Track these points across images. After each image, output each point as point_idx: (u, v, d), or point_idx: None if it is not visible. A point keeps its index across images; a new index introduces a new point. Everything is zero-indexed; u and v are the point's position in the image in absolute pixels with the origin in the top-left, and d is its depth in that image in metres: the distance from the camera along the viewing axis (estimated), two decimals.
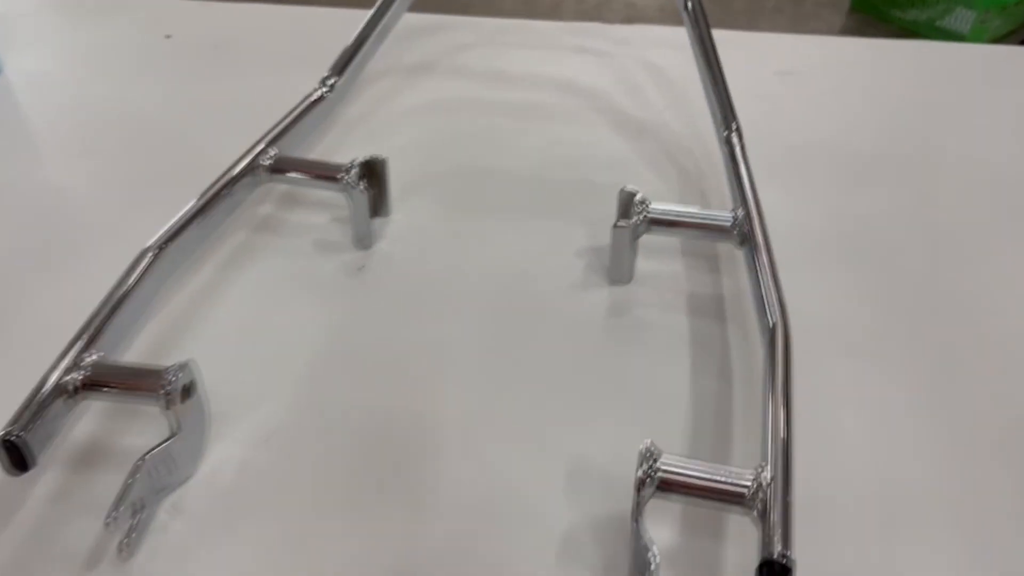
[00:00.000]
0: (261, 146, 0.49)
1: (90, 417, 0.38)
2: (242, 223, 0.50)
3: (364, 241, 0.49)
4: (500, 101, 0.61)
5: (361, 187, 0.47)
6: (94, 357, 0.36)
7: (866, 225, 0.50)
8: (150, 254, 0.40)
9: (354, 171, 0.47)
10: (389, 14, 0.60)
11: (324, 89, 0.53)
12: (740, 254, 0.44)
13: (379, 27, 0.59)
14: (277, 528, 0.34)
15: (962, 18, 2.18)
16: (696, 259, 0.48)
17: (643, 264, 0.47)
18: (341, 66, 0.54)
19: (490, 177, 0.54)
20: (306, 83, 0.55)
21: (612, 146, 0.56)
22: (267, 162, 0.48)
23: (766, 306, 0.39)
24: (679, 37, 0.57)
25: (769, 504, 0.29)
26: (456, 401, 0.40)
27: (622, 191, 0.46)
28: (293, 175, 0.49)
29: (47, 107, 0.63)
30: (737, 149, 0.48)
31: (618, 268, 0.46)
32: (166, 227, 0.42)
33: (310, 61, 0.57)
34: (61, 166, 0.57)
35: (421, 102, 0.61)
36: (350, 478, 0.36)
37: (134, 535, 0.33)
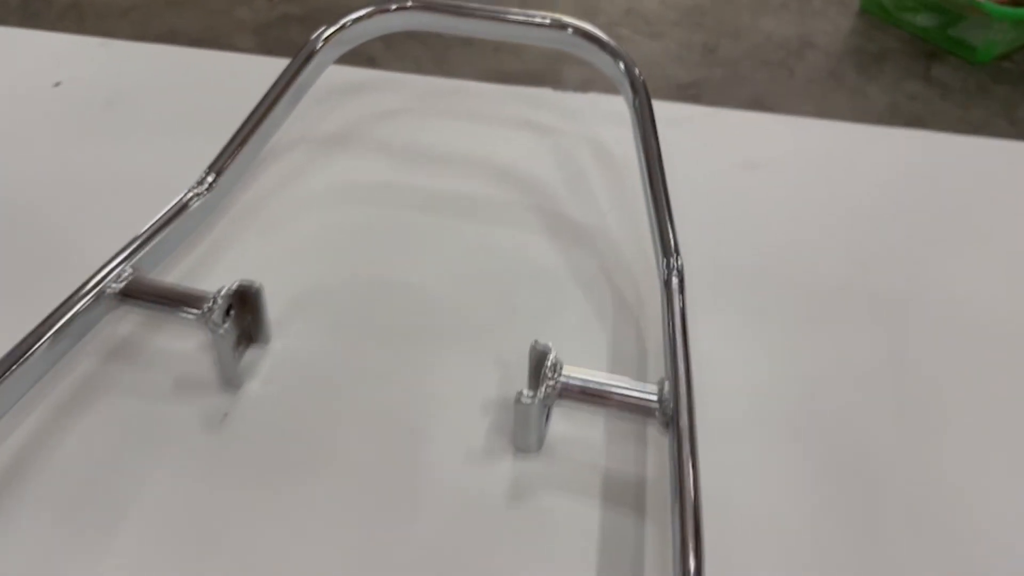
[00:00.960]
0: (111, 266, 0.41)
1: None
2: (91, 348, 0.43)
3: (232, 381, 0.42)
4: (419, 189, 0.53)
5: (224, 328, 0.39)
6: None
7: (823, 386, 0.42)
8: None
9: (218, 306, 0.40)
10: (302, 78, 0.52)
11: (200, 189, 0.45)
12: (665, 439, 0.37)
13: (289, 93, 0.51)
14: None
15: (975, 27, 2.07)
16: (619, 423, 0.41)
17: (557, 426, 0.40)
18: (224, 160, 0.46)
19: (393, 293, 0.47)
20: (214, 149, 0.47)
21: (542, 257, 0.49)
22: (118, 286, 0.41)
23: (681, 523, 0.32)
24: None
25: None
26: None
27: (533, 347, 0.38)
28: (148, 304, 0.41)
29: None
30: (676, 298, 0.40)
31: (524, 439, 0.39)
32: None
33: (222, 121, 0.49)
34: None
35: (327, 186, 0.53)
36: None
37: None
